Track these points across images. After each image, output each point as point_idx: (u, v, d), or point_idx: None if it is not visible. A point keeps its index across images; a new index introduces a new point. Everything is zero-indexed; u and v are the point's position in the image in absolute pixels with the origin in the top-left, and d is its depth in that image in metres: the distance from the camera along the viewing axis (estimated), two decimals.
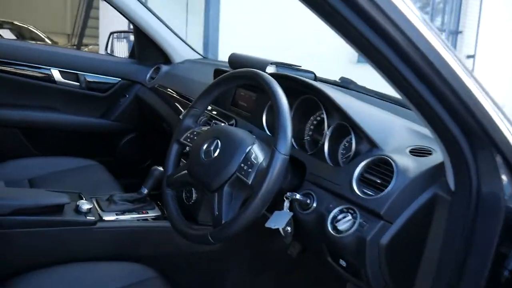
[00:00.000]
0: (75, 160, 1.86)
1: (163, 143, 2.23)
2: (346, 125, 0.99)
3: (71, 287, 1.09)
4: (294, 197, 0.94)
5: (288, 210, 0.95)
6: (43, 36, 9.35)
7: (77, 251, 1.21)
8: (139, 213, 1.33)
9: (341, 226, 0.86)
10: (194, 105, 1.11)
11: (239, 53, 1.47)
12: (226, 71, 1.37)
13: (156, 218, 1.33)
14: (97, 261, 1.20)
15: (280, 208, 0.96)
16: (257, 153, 0.91)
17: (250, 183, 0.87)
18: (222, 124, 1.29)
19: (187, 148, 1.26)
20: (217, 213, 0.90)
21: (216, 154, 0.95)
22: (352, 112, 0.98)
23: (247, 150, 0.91)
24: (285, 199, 0.95)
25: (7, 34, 8.61)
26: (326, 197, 0.94)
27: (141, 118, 2.12)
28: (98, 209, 1.30)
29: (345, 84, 1.46)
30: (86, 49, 7.31)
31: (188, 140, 1.08)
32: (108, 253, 1.25)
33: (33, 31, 9.32)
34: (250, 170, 0.88)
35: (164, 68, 2.04)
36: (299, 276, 1.56)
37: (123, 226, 1.26)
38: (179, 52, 2.08)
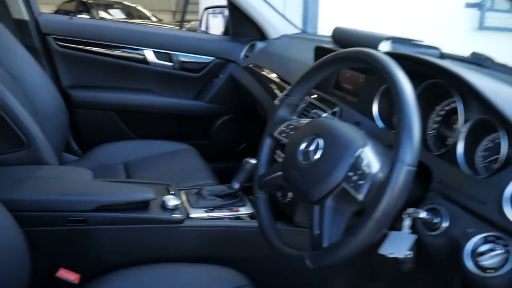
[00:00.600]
0: (169, 144, 1.81)
1: (259, 127, 2.11)
2: (490, 121, 0.73)
3: None
4: (417, 215, 0.72)
5: (409, 231, 0.73)
6: (149, 15, 9.75)
7: (163, 250, 1.12)
8: (229, 210, 1.20)
9: (487, 261, 0.63)
10: (290, 93, 0.92)
11: (344, 27, 1.24)
12: (328, 49, 1.16)
13: (247, 217, 1.20)
14: (184, 261, 1.11)
15: (397, 227, 0.75)
16: (370, 159, 0.70)
17: (361, 199, 0.67)
18: (324, 115, 1.09)
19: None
20: (317, 232, 0.72)
21: (317, 156, 0.76)
22: (500, 103, 0.73)
23: (357, 155, 0.71)
24: (404, 217, 0.73)
25: (118, 13, 9.13)
26: (461, 217, 0.71)
27: (236, 100, 2.00)
28: (186, 204, 1.20)
29: (478, 61, 1.16)
30: (188, 25, 7.44)
31: (284, 135, 0.91)
32: (195, 253, 1.14)
33: (140, 10, 9.76)
34: (361, 182, 0.68)
35: (259, 45, 1.88)
36: None
37: (212, 226, 1.14)
38: (275, 26, 1.90)
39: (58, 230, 1.03)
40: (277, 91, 1.50)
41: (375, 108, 0.99)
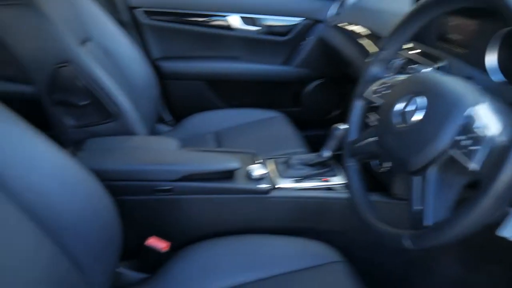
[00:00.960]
0: (259, 112, 1.77)
1: (352, 91, 1.96)
2: None
3: (248, 261, 0.97)
4: None
5: None
6: None
7: (250, 221, 1.08)
8: (319, 180, 1.12)
9: None
10: (384, 46, 0.80)
11: None
12: None
13: (339, 187, 1.10)
14: (271, 233, 1.06)
15: None
16: (488, 120, 0.57)
17: (475, 168, 0.54)
18: (426, 70, 0.94)
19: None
20: (419, 207, 0.61)
21: (417, 118, 0.64)
22: None
23: (469, 114, 0.58)
24: None
25: None
26: None
27: (326, 63, 1.87)
28: (274, 173, 1.14)
29: None
30: None
31: (377, 95, 0.79)
32: (283, 225, 1.09)
33: None
34: (474, 147, 0.55)
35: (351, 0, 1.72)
36: None
37: (300, 197, 1.07)
38: None
39: (147, 200, 1.03)
40: (370, 49, 1.36)
41: (491, 59, 0.82)
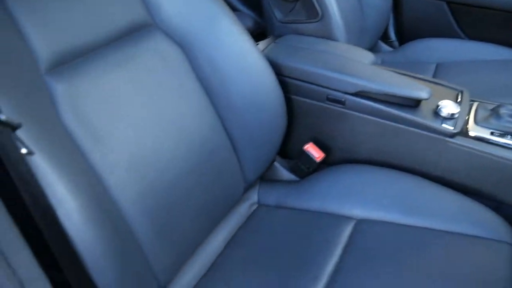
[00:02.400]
0: (503, 51, 1.45)
1: None
2: None
3: (399, 201, 0.87)
4: None
5: None
6: None
7: (418, 161, 0.94)
8: None
9: None
10: None
11: None
12: None
13: None
14: (438, 183, 0.90)
15: None
16: None
17: None
18: None
19: None
20: None
21: None
22: None
23: None
24: None
25: None
26: None
27: None
28: (471, 118, 0.93)
29: None
30: None
31: None
32: (457, 179, 0.91)
33: None
34: None
35: None
36: None
37: (491, 153, 0.85)
38: None
39: (316, 106, 1.00)
40: None
41: None
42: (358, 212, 0.87)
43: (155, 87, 0.74)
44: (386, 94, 0.92)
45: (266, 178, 1.04)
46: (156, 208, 0.69)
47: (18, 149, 0.42)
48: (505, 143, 0.86)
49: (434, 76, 1.35)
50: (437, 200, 0.86)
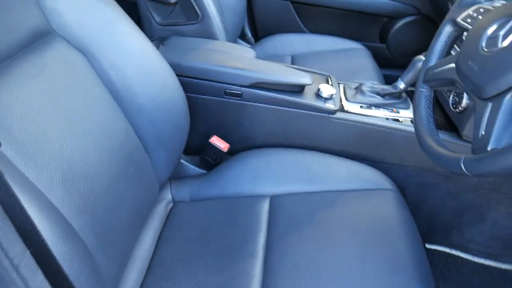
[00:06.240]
0: (341, 41, 1.73)
1: None
2: None
3: (301, 173, 1.01)
4: None
5: None
6: None
7: (311, 138, 1.10)
8: (388, 111, 1.10)
9: None
10: None
11: None
12: None
13: (407, 121, 1.08)
14: (332, 154, 1.07)
15: None
16: None
17: None
18: None
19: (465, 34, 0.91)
20: (483, 132, 0.59)
21: (505, 43, 0.60)
22: None
23: None
24: None
25: None
26: None
27: None
28: (342, 96, 1.13)
29: None
30: None
31: (469, 20, 0.74)
32: (343, 147, 1.09)
33: None
34: None
35: None
36: None
37: (365, 123, 1.06)
38: None
39: (216, 101, 1.08)
40: None
41: None
42: (270, 189, 0.98)
43: (68, 98, 0.72)
44: (277, 83, 1.05)
45: (175, 176, 1.07)
46: (96, 217, 0.69)
47: None
48: (374, 114, 1.08)
49: (292, 62, 1.55)
50: (331, 167, 1.03)
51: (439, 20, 1.75)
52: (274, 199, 0.96)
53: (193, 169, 1.10)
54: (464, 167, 0.59)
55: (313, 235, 0.86)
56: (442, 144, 0.69)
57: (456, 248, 1.19)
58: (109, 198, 0.74)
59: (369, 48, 1.71)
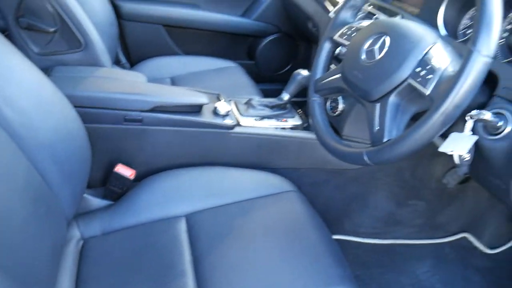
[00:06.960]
0: (215, 61, 1.81)
1: (307, 47, 2.06)
2: None
3: (208, 189, 1.05)
4: (482, 116, 0.70)
5: (470, 133, 0.72)
6: None
7: (214, 154, 1.15)
8: (278, 120, 1.22)
9: None
10: None
11: None
12: None
13: (295, 128, 1.21)
14: (235, 166, 1.14)
15: (458, 130, 0.74)
16: (440, 55, 0.68)
17: (428, 93, 0.66)
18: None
19: (340, 50, 1.07)
20: (378, 128, 0.72)
21: (381, 54, 0.75)
22: None
23: (426, 51, 0.69)
24: (467, 118, 0.72)
25: None
26: None
27: (284, 18, 1.94)
28: (236, 112, 1.22)
29: None
30: None
31: (344, 37, 0.88)
32: (244, 159, 1.18)
33: None
34: (429, 76, 0.66)
35: None
36: (452, 211, 1.35)
37: (261, 134, 1.16)
38: None
39: (116, 128, 1.07)
40: (330, 8, 1.45)
41: (440, 17, 0.94)
42: (183, 209, 1.01)
43: None
44: (177, 105, 1.09)
45: (79, 212, 1.02)
46: (15, 264, 0.65)
47: None
48: (267, 125, 1.18)
49: (172, 84, 1.59)
50: (237, 179, 1.10)
51: (298, 37, 1.98)
52: (190, 218, 0.99)
53: (99, 201, 1.06)
54: (368, 159, 0.72)
55: (235, 243, 0.92)
56: (344, 143, 0.82)
57: (350, 234, 1.36)
58: (25, 241, 0.69)
59: (241, 65, 1.84)
